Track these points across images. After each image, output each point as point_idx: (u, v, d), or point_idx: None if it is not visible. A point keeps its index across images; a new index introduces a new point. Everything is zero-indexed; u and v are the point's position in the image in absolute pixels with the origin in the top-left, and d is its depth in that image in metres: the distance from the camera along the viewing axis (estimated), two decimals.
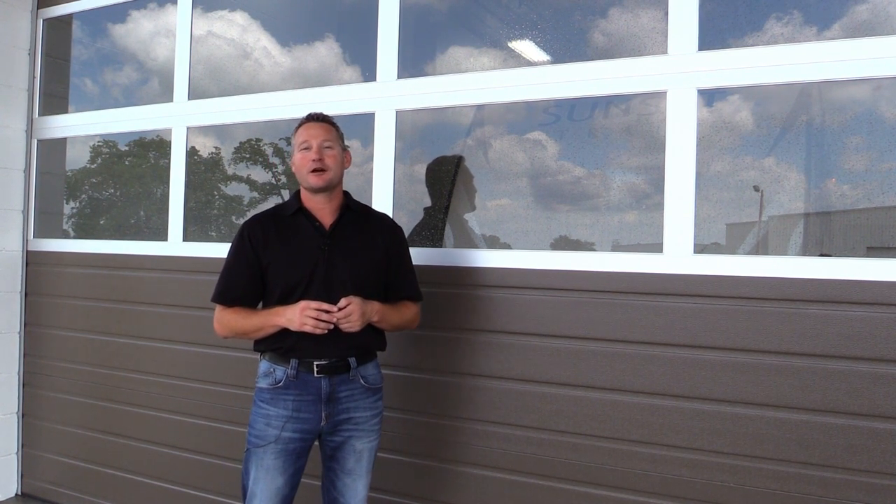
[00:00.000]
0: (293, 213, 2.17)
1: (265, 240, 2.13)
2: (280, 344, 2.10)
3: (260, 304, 2.20)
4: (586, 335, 2.32)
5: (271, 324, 2.07)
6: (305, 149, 2.12)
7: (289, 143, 3.34)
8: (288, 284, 2.09)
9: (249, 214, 3.54)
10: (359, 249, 2.16)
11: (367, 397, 2.16)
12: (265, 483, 2.08)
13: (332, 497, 2.20)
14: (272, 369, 2.12)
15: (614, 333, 2.27)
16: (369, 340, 2.15)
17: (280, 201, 3.50)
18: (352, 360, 2.12)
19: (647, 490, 2.21)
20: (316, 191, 2.13)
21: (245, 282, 2.14)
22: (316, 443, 2.20)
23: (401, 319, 2.23)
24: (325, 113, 2.22)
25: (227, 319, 2.16)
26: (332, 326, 2.02)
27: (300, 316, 2.00)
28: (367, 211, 2.29)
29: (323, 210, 2.17)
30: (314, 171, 2.09)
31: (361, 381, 2.15)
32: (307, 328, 2.01)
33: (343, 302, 2.03)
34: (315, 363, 2.08)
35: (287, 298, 2.09)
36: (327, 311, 2.01)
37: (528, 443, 2.40)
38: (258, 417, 2.12)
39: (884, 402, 1.93)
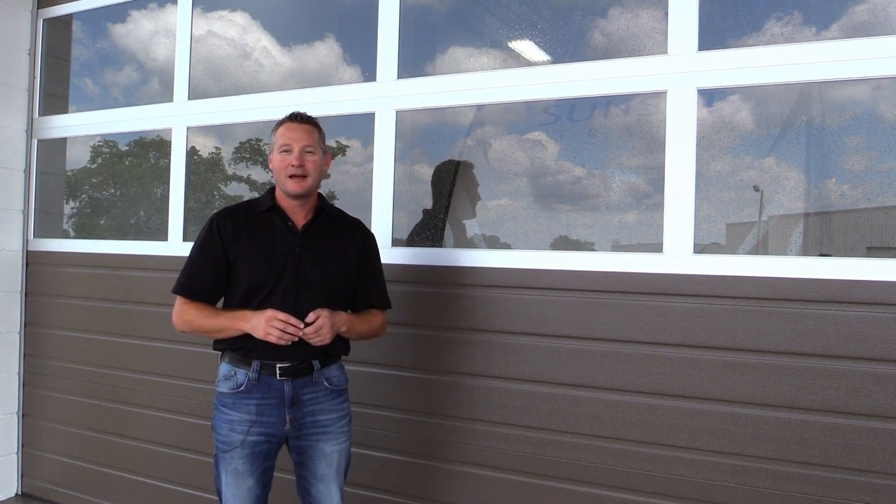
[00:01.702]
0: (266, 210, 2.12)
1: (235, 234, 2.07)
2: (241, 344, 2.05)
3: (221, 301, 2.15)
4: (586, 335, 2.32)
5: (235, 328, 2.02)
6: (286, 151, 2.06)
7: None
8: (255, 282, 2.04)
9: None
10: (330, 253, 2.12)
11: (331, 399, 2.12)
12: (236, 486, 2.05)
13: (307, 503, 2.17)
14: (233, 372, 2.07)
15: (614, 333, 2.27)
16: (333, 346, 2.10)
17: None
18: (315, 363, 2.08)
19: (647, 490, 2.21)
20: (293, 196, 2.09)
21: (210, 275, 2.07)
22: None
23: (368, 328, 2.19)
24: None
25: (188, 314, 2.08)
26: (296, 339, 1.97)
27: (265, 325, 1.95)
28: (341, 215, 2.25)
29: (296, 210, 2.12)
30: (293, 176, 2.05)
31: (325, 383, 2.10)
32: (271, 339, 1.95)
33: (312, 316, 1.98)
34: (277, 366, 2.04)
35: (252, 296, 2.04)
36: (294, 325, 1.96)
37: (527, 443, 2.40)
38: (222, 423, 2.07)
39: (884, 402, 1.93)
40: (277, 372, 2.04)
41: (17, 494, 3.72)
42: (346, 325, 2.08)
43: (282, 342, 1.96)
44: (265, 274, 2.04)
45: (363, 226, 2.28)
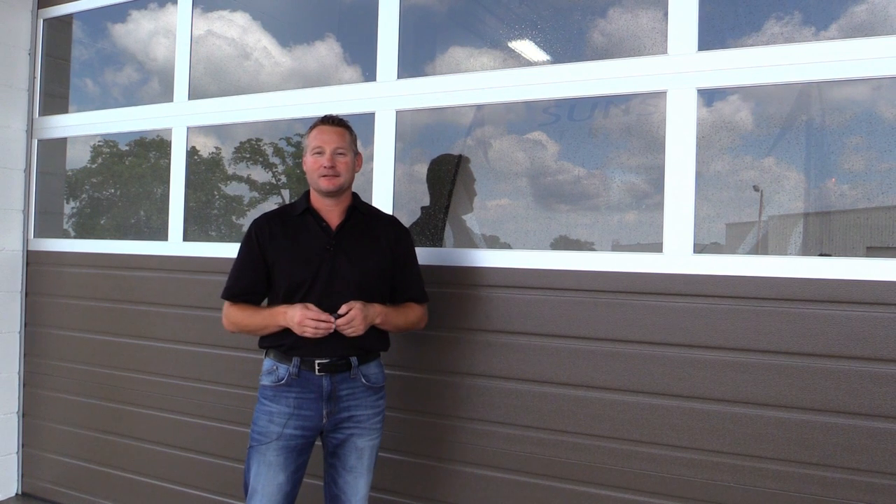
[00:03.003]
0: (301, 213, 2.20)
1: (272, 238, 2.17)
2: (282, 341, 2.12)
3: (265, 301, 2.23)
4: (586, 335, 2.32)
5: (274, 323, 2.11)
6: (318, 153, 2.14)
7: (289, 143, 3.35)
8: (292, 282, 2.11)
9: (249, 214, 3.56)
10: (364, 251, 2.18)
11: (368, 396, 2.18)
12: (266, 479, 2.10)
13: (333, 494, 2.22)
14: (275, 367, 2.15)
15: (614, 333, 2.27)
16: (371, 342, 2.16)
17: (280, 201, 3.51)
18: (353, 360, 2.14)
19: (647, 490, 2.22)
20: (325, 194, 2.16)
21: (250, 278, 2.18)
22: (318, 441, 2.22)
23: (405, 321, 2.24)
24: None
25: (233, 315, 2.20)
26: (332, 329, 2.04)
27: (298, 327, 2.04)
28: (375, 213, 2.32)
29: (331, 211, 2.19)
30: (325, 176, 2.12)
31: (363, 379, 2.16)
32: (307, 334, 2.04)
33: (344, 308, 2.05)
34: (316, 361, 2.10)
35: (291, 296, 2.12)
36: (325, 321, 2.03)
37: (527, 442, 2.41)
38: (261, 414, 2.14)
39: (884, 402, 1.93)
40: (316, 367, 2.10)
41: (17, 494, 3.72)
42: (380, 317, 2.14)
43: (318, 335, 2.04)
44: (302, 275, 2.11)
45: (398, 222, 2.33)
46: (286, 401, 2.11)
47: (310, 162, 2.16)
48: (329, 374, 2.11)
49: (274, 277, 2.16)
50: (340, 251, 2.14)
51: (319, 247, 2.14)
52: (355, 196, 2.27)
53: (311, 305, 2.05)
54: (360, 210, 2.24)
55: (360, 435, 2.17)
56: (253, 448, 2.14)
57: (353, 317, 2.04)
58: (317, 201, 2.20)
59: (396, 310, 2.22)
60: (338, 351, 2.11)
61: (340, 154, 2.15)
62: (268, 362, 2.18)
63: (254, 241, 2.18)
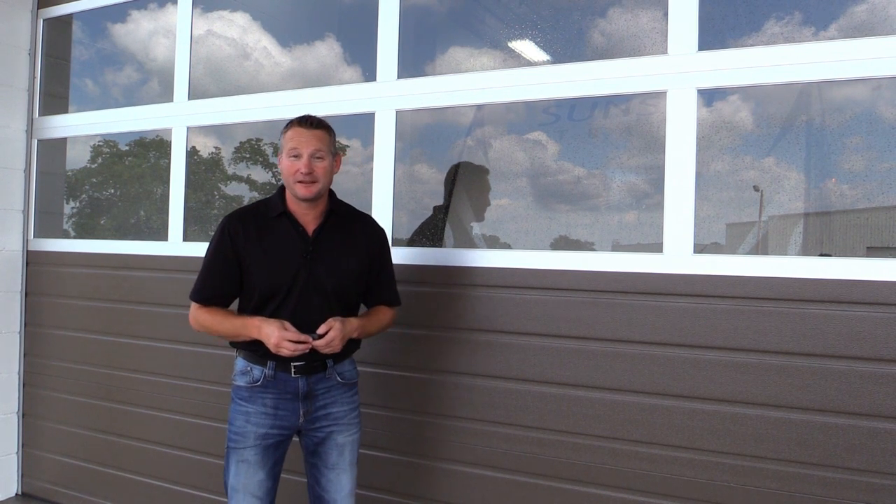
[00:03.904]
0: (277, 216, 2.11)
1: (246, 238, 2.08)
2: (255, 348, 2.08)
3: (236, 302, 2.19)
4: (586, 335, 2.32)
5: (247, 335, 2.05)
6: (294, 157, 2.05)
7: None
8: (268, 290, 2.06)
9: None
10: (342, 255, 2.13)
11: (343, 393, 2.17)
12: (246, 477, 2.09)
13: (317, 494, 2.20)
14: (249, 368, 2.11)
15: (614, 333, 2.27)
16: (344, 347, 2.12)
17: None
18: (328, 361, 2.12)
19: (647, 490, 2.21)
20: (302, 200, 2.09)
21: (223, 280, 2.11)
22: (297, 439, 2.20)
23: (378, 327, 2.23)
24: (320, 116, 2.16)
25: (202, 318, 2.12)
26: (308, 350, 2.00)
27: (275, 347, 1.99)
28: (352, 213, 2.24)
29: (307, 215, 2.12)
30: (301, 181, 2.04)
31: (338, 377, 2.15)
32: (283, 354, 2.00)
33: (323, 328, 2.02)
34: (292, 364, 2.08)
35: (266, 303, 2.07)
36: (303, 342, 1.99)
37: (527, 442, 2.41)
38: (237, 415, 2.12)
39: (884, 402, 1.93)
40: (292, 370, 2.09)
41: (17, 494, 3.72)
42: (357, 332, 2.12)
43: (295, 355, 2.02)
44: (277, 283, 2.06)
45: (374, 222, 2.28)
46: (262, 401, 2.09)
47: (285, 165, 2.06)
48: (305, 376, 2.09)
49: (247, 282, 2.09)
50: (318, 258, 2.08)
51: (296, 254, 2.07)
52: (332, 195, 2.19)
53: (288, 325, 2.00)
54: (336, 212, 2.16)
55: (339, 431, 2.16)
56: (230, 448, 2.12)
57: (333, 338, 2.01)
58: (293, 204, 2.12)
59: (371, 319, 2.20)
60: (313, 354, 2.07)
61: (318, 158, 2.05)
62: (241, 363, 2.14)
63: (227, 240, 2.08)
